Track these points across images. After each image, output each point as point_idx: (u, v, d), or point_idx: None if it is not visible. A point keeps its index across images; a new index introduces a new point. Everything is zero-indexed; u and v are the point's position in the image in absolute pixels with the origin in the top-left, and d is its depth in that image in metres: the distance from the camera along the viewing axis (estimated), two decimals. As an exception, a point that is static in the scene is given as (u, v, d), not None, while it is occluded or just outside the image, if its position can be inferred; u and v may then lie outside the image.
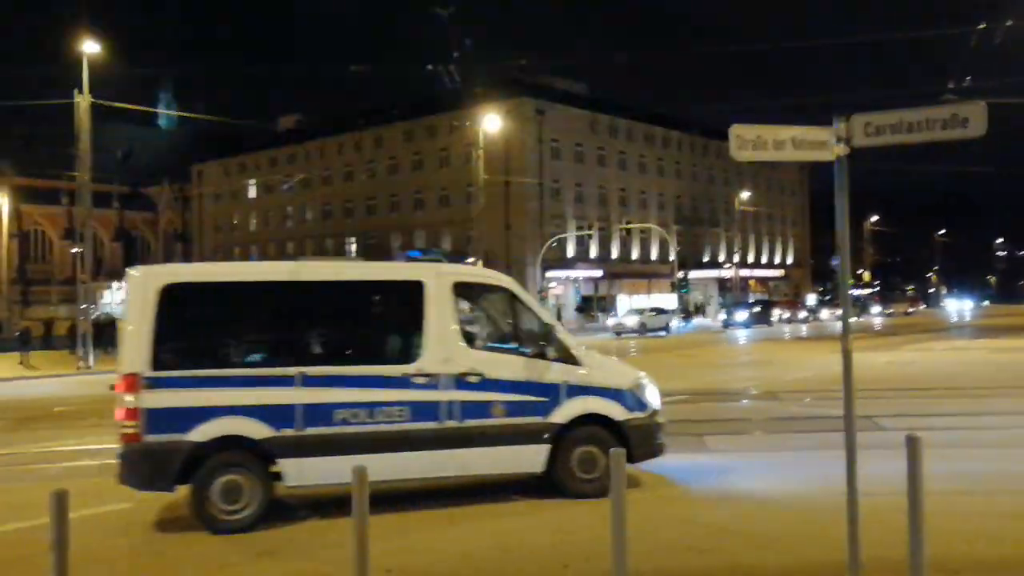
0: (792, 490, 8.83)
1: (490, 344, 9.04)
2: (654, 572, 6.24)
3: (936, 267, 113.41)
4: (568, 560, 6.53)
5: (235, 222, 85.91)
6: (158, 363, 7.84)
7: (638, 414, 8.92)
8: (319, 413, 8.08)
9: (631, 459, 8.07)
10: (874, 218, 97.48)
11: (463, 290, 8.95)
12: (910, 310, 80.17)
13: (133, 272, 8.32)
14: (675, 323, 53.75)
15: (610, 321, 52.36)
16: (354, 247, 74.05)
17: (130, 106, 40.33)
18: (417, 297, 8.57)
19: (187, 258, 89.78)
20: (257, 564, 6.91)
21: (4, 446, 13.65)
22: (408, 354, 8.51)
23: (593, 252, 68.29)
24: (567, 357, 8.81)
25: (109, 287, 76.41)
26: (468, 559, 6.83)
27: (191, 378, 7.95)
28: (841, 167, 5.78)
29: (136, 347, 7.85)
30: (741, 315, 56.69)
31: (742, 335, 46.22)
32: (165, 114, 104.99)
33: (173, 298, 7.99)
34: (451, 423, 8.36)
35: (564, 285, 65.74)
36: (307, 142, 77.98)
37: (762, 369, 24.00)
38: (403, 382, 8.27)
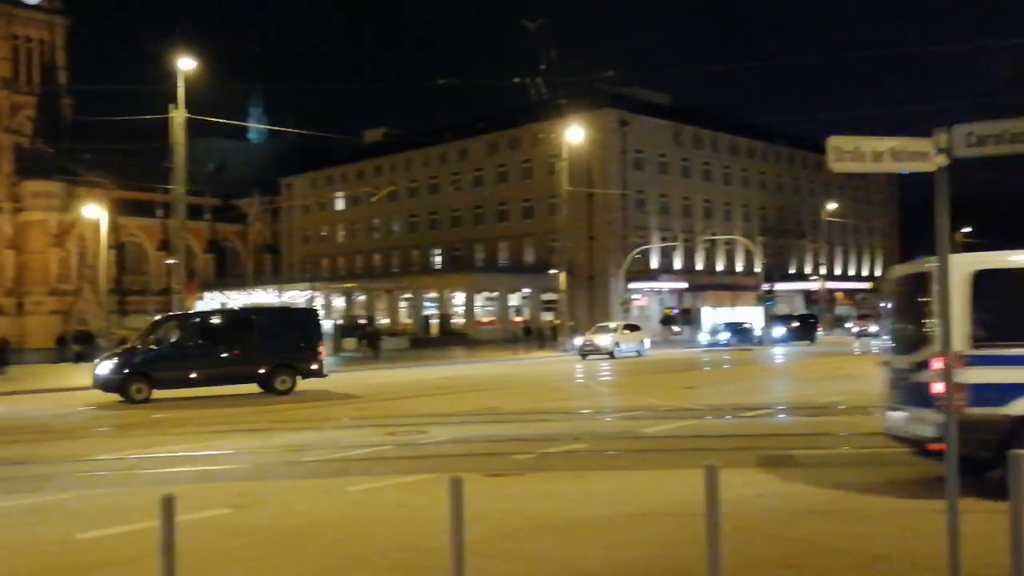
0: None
1: None
2: None
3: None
4: None
5: (323, 234, 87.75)
6: (976, 341, 8.46)
7: None
8: None
9: None
10: (966, 229, 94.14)
11: None
12: None
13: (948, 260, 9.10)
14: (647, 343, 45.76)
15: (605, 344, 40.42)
16: (439, 258, 74.89)
17: (222, 120, 41.57)
18: None
19: (276, 270, 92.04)
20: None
21: (106, 451, 14.16)
22: None
23: (677, 263, 67.67)
24: None
25: (201, 297, 78.84)
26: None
27: (1008, 356, 8.48)
28: (941, 179, 5.64)
29: (954, 327, 8.39)
30: (779, 331, 52.10)
31: (811, 350, 45.06)
32: (256, 128, 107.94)
33: (986, 282, 8.59)
34: None
35: (648, 297, 65.23)
36: (393, 154, 79.25)
37: (854, 383, 23.34)
38: None
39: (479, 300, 63.87)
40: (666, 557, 7.11)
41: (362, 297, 70.10)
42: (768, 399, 19.71)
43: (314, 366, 24.41)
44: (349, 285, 71.32)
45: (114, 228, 78.15)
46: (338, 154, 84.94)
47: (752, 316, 55.07)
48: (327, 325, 48.35)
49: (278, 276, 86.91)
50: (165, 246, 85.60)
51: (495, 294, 64.17)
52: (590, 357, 39.04)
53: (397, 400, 22.18)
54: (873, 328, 58.80)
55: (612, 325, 42.62)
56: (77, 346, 45.03)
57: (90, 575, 7.01)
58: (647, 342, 41.94)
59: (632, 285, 59.64)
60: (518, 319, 62.11)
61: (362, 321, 59.21)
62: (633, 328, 42.28)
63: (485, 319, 63.45)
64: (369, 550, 7.56)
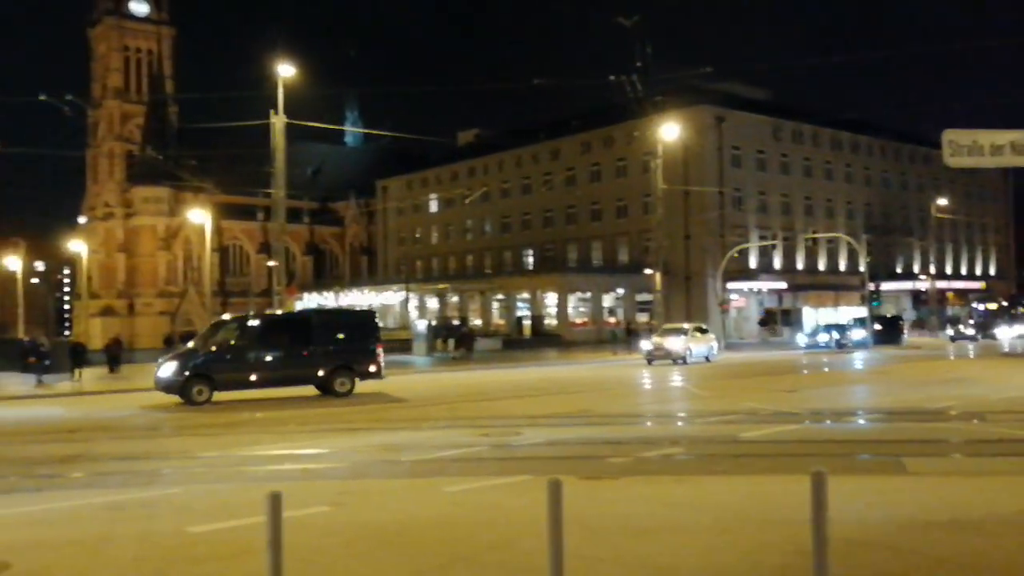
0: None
1: None
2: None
3: None
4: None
5: (417, 235, 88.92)
6: None
7: None
8: None
9: None
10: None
11: None
12: None
13: None
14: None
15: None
16: (532, 259, 75.03)
17: (320, 125, 42.36)
18: None
19: (372, 272, 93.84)
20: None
21: (212, 449, 14.61)
22: None
23: (777, 263, 66.26)
24: None
25: (300, 298, 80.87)
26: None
27: None
28: (1070, 172, 5.32)
29: None
30: (858, 333, 47.21)
31: (905, 353, 43.42)
32: (351, 132, 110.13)
33: None
34: None
35: (746, 297, 64.05)
36: (486, 156, 79.75)
37: (963, 387, 22.41)
38: None
39: (572, 301, 63.72)
40: (769, 565, 6.92)
41: (455, 298, 70.78)
42: (873, 403, 19.07)
43: (372, 368, 24.38)
44: (442, 286, 72.09)
45: (217, 231, 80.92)
46: (432, 156, 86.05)
47: (856, 317, 53.29)
48: (421, 326, 49.12)
49: (374, 277, 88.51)
50: (265, 249, 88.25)
51: (588, 294, 63.94)
52: (657, 363, 35.77)
53: (491, 401, 22.22)
54: (970, 331, 55.59)
55: (685, 326, 39.12)
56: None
57: (202, 567, 7.23)
58: (715, 346, 39.35)
59: (730, 285, 58.61)
60: (612, 320, 61.76)
61: (455, 322, 59.77)
62: (703, 330, 39.06)
63: (578, 320, 63.28)
64: (468, 550, 7.59)
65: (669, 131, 44.92)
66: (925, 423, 15.61)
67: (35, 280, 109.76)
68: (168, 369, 23.12)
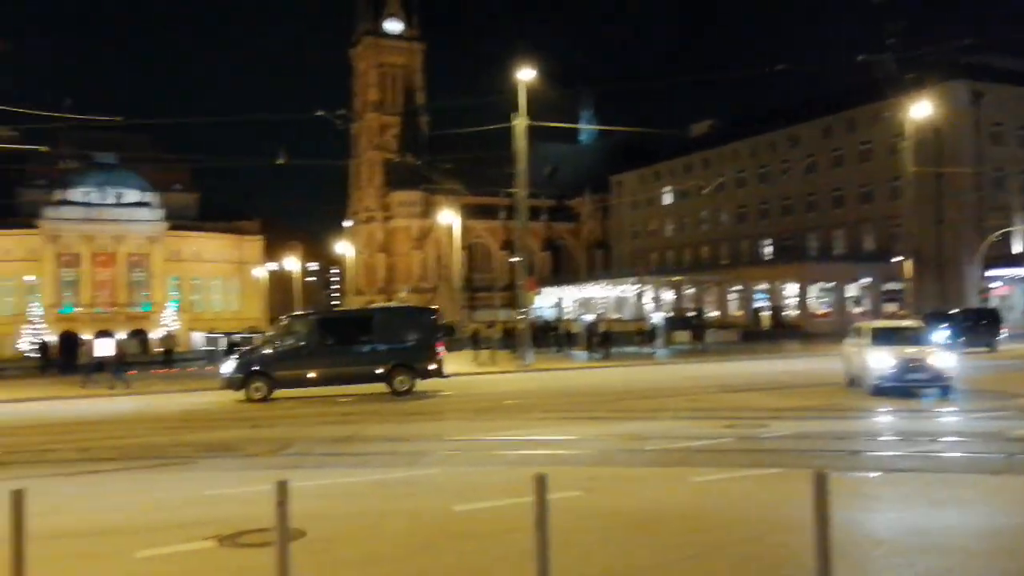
0: None
1: None
2: None
3: None
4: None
5: (651, 228, 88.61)
6: None
7: None
8: None
9: None
10: None
11: None
12: None
13: None
14: None
15: None
16: (770, 249, 72.80)
17: (558, 124, 43.08)
18: None
19: (606, 266, 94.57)
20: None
21: (466, 432, 15.48)
22: None
23: (1045, 247, 60.35)
24: None
25: (539, 292, 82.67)
26: None
27: None
28: None
29: None
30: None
31: None
32: (585, 129, 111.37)
33: None
34: None
35: (1010, 285, 58.81)
36: (720, 146, 78.11)
37: None
38: None
39: (813, 291, 61.17)
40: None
41: (691, 290, 69.93)
42: None
43: (432, 366, 23.91)
44: (677, 279, 71.42)
45: (464, 231, 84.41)
46: (665, 149, 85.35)
47: (933, 311, 44.56)
48: (657, 318, 49.01)
49: (608, 271, 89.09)
50: (507, 246, 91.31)
51: (831, 284, 61.11)
52: (893, 393, 18.93)
53: (732, 393, 21.76)
54: None
55: (910, 324, 25.04)
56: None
57: (468, 542, 7.74)
58: None
59: (990, 272, 54.10)
60: (857, 310, 58.69)
61: (690, 314, 59.22)
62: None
63: (820, 311, 60.65)
64: (717, 541, 7.62)
65: (919, 110, 42.08)
66: None
67: (310, 279, 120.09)
68: (229, 367, 23.66)
